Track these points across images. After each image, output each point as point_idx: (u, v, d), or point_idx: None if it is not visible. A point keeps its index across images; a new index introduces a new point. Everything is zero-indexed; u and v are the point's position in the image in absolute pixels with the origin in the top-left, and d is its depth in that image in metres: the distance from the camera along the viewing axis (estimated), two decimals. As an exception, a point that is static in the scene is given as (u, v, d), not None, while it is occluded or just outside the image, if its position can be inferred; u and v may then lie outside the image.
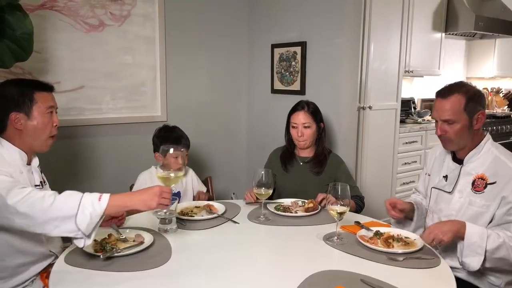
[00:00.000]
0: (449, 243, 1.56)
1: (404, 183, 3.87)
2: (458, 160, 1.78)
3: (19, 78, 1.71)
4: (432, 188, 1.86)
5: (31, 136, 1.62)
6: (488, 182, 1.66)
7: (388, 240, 1.60)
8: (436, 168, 1.88)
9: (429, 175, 1.93)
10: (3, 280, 1.58)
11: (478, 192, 1.68)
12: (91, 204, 1.34)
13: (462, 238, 1.56)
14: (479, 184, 1.68)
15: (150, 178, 2.31)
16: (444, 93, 1.70)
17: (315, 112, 2.35)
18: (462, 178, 1.74)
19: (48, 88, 1.67)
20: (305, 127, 2.31)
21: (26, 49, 1.99)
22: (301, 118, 2.32)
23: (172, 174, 1.62)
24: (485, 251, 1.54)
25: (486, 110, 5.47)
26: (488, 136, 1.74)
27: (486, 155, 1.70)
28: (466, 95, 1.66)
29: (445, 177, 1.80)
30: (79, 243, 1.37)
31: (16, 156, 1.60)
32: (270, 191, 1.89)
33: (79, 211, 1.32)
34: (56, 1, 2.67)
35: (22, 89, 1.60)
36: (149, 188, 1.45)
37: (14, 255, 1.57)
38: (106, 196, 1.37)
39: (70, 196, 1.35)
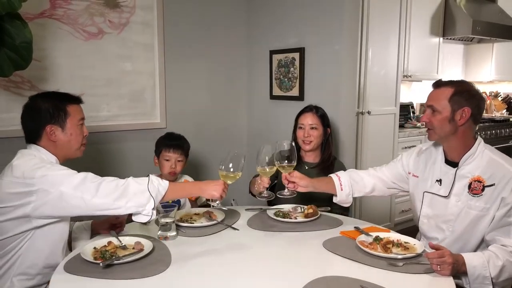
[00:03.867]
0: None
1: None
2: (450, 163, 1.76)
3: (49, 92, 1.78)
4: (425, 193, 1.83)
5: (65, 146, 1.69)
6: (486, 185, 1.65)
7: (387, 245, 1.60)
8: (427, 171, 1.84)
9: (415, 176, 1.89)
10: (28, 277, 1.61)
11: (476, 195, 1.66)
12: (156, 179, 1.59)
13: (464, 272, 1.52)
14: (476, 187, 1.66)
15: None
16: (438, 84, 1.74)
17: (322, 116, 2.40)
18: (458, 181, 1.72)
19: (78, 100, 1.75)
20: (311, 128, 2.35)
21: (25, 58, 1.99)
22: (308, 119, 2.36)
23: (231, 174, 1.74)
24: (491, 278, 1.51)
25: (485, 114, 5.46)
26: (480, 139, 1.73)
27: (480, 157, 1.69)
28: (455, 88, 1.67)
29: (439, 181, 1.78)
30: (142, 219, 1.54)
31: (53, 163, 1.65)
32: (274, 169, 1.87)
33: (149, 182, 1.55)
34: (55, 10, 2.68)
35: (55, 102, 1.67)
36: (215, 181, 1.70)
37: (46, 254, 1.62)
38: (166, 180, 1.62)
39: (139, 177, 1.59)
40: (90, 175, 1.54)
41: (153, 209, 1.54)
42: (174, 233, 1.77)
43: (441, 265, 1.42)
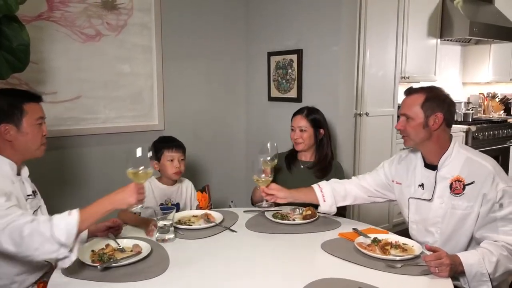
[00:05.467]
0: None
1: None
2: (430, 166, 1.78)
3: (6, 88, 1.69)
4: (410, 199, 1.84)
5: (22, 147, 1.61)
6: (465, 183, 1.67)
7: (385, 247, 1.60)
8: (409, 177, 1.86)
9: (398, 183, 1.91)
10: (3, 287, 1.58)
11: (458, 195, 1.68)
12: (62, 218, 1.37)
13: (462, 272, 1.53)
14: (457, 187, 1.69)
15: (150, 187, 2.29)
16: (410, 91, 1.78)
17: (313, 118, 2.43)
18: (439, 183, 1.74)
19: (37, 98, 1.66)
20: (301, 130, 2.40)
21: (23, 60, 1.99)
22: (298, 121, 2.43)
23: (141, 172, 1.58)
24: (488, 275, 1.52)
25: (483, 115, 5.46)
26: (454, 140, 1.76)
27: (457, 157, 1.72)
28: (426, 94, 1.71)
29: (421, 185, 1.79)
30: (64, 263, 1.38)
31: (6, 167, 1.59)
32: (271, 178, 1.94)
33: (53, 227, 1.34)
34: (53, 12, 2.68)
35: (11, 100, 1.58)
36: (125, 187, 1.50)
37: (11, 263, 1.57)
38: (75, 210, 1.40)
39: (43, 221, 1.37)
40: None
41: (70, 251, 1.36)
42: (172, 236, 1.76)
43: (439, 267, 1.42)
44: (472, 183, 1.66)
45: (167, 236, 1.75)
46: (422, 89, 1.75)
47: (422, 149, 1.79)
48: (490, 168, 1.65)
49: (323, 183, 2.05)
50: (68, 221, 1.36)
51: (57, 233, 1.33)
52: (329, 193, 2.00)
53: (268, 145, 2.12)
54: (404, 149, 2.02)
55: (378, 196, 2.01)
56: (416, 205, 1.82)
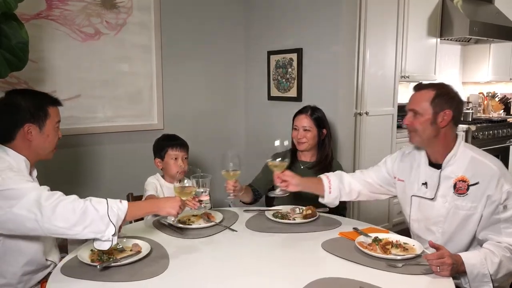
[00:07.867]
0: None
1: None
2: (434, 165, 1.76)
3: (28, 89, 1.78)
4: (413, 197, 1.82)
5: (39, 147, 1.66)
6: (470, 184, 1.65)
7: (386, 246, 1.60)
8: (412, 175, 1.84)
9: (400, 180, 1.89)
10: (10, 287, 1.60)
11: (462, 195, 1.67)
12: (115, 203, 1.48)
13: (463, 272, 1.53)
14: (462, 187, 1.67)
15: (158, 186, 2.28)
16: (419, 87, 1.76)
17: (317, 118, 2.41)
18: (443, 182, 1.72)
19: (59, 103, 1.75)
20: (305, 130, 2.38)
21: (21, 59, 1.98)
22: (302, 121, 2.40)
23: (186, 190, 1.77)
24: (490, 275, 1.52)
25: (482, 115, 5.45)
26: (460, 139, 1.74)
27: (462, 157, 1.70)
28: (436, 91, 1.69)
29: (425, 184, 1.77)
30: (104, 245, 1.44)
31: (22, 164, 1.62)
32: (238, 172, 1.95)
33: (109, 208, 1.44)
34: (52, 11, 2.67)
35: (37, 102, 1.66)
36: (172, 198, 1.65)
37: (22, 263, 1.60)
38: (125, 200, 1.52)
39: (97, 200, 1.46)
40: (44, 194, 1.41)
41: (113, 235, 1.43)
42: (208, 204, 1.94)
43: (440, 266, 1.42)
44: (476, 183, 1.64)
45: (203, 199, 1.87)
46: (432, 85, 1.73)
47: (428, 147, 1.77)
48: (495, 169, 1.63)
49: (331, 175, 2.02)
50: (119, 207, 1.46)
51: (110, 213, 1.43)
52: (336, 185, 1.97)
53: (278, 142, 2.10)
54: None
55: (381, 192, 2.00)
56: (418, 203, 1.81)
